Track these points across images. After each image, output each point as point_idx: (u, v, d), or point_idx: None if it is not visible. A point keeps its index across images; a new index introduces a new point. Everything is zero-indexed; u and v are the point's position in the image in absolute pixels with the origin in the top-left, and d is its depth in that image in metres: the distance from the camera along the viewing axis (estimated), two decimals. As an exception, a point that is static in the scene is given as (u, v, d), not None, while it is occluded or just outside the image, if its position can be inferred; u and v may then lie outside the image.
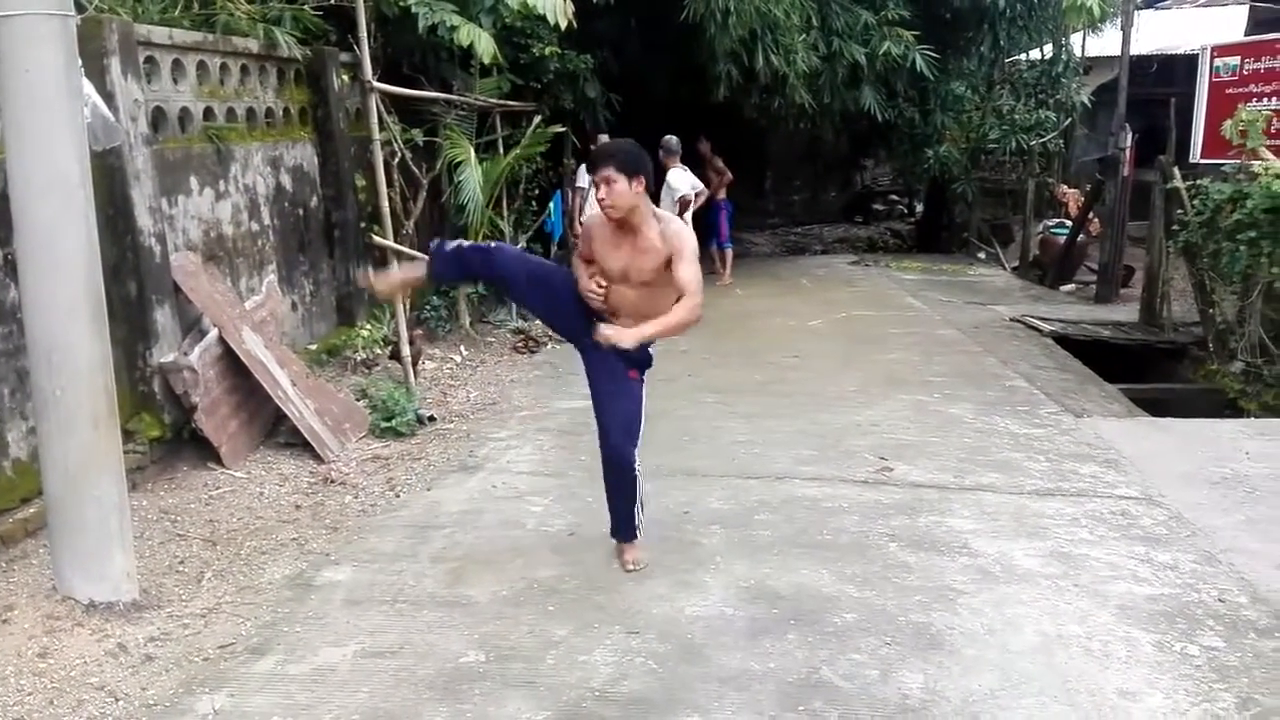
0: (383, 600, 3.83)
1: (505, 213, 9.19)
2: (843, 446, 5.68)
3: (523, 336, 8.66)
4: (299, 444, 5.47)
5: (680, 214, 8.96)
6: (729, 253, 11.66)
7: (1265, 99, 8.77)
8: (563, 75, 9.42)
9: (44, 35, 3.32)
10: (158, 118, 5.29)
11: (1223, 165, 8.92)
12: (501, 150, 8.81)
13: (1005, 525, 4.52)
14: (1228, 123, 8.69)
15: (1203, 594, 3.86)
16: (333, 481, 5.15)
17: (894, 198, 21.23)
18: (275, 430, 5.63)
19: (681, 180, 9.29)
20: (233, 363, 5.36)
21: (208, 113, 5.75)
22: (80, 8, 4.99)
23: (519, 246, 9.30)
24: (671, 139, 9.52)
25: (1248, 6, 14.46)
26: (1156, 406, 7.63)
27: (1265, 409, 7.59)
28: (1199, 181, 8.83)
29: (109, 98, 4.65)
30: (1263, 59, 8.92)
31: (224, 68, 5.92)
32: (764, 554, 4.23)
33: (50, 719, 3.09)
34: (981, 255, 15.15)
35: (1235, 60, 9.32)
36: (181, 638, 3.57)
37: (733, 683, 3.23)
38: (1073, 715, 3.06)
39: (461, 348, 8.14)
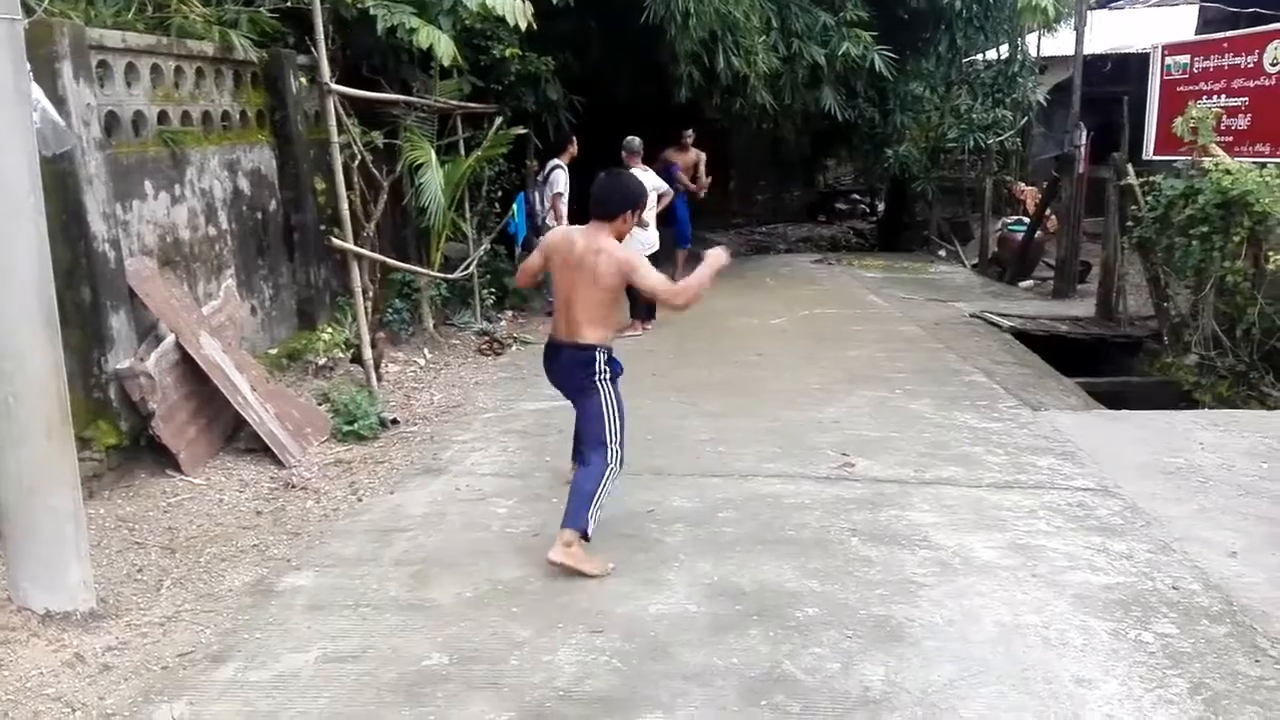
0: (345, 605, 3.80)
1: (468, 214, 9.16)
2: (805, 443, 5.72)
3: (487, 338, 8.63)
4: (259, 449, 5.42)
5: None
6: (682, 254, 11.64)
7: (1215, 96, 8.94)
8: (524, 77, 9.39)
9: (-10, 39, 3.28)
10: (111, 122, 5.22)
11: (1175, 162, 9.08)
12: (463, 152, 8.77)
13: (965, 518, 4.58)
14: (1179, 120, 8.85)
15: (1157, 582, 3.93)
16: (294, 486, 5.11)
17: (856, 197, 21.38)
18: (235, 436, 5.58)
19: (641, 180, 9.30)
20: (190, 368, 5.31)
21: (162, 116, 5.69)
22: (29, 10, 4.92)
23: (484, 246, 9.33)
24: (633, 139, 9.54)
25: (1198, 6, 14.70)
26: (1113, 399, 7.77)
27: (1219, 400, 7.74)
28: (1152, 178, 8.99)
29: (60, 102, 4.58)
30: (1211, 57, 9.08)
31: (179, 71, 5.86)
32: (728, 551, 4.25)
33: (5, 732, 3.05)
34: (942, 253, 15.31)
35: (1185, 58, 9.49)
36: (140, 646, 3.53)
37: (696, 679, 3.25)
38: (1030, 703, 3.11)
39: (425, 350, 8.10)
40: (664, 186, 9.85)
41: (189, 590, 3.98)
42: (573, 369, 4.20)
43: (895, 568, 4.07)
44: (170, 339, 5.25)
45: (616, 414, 4.16)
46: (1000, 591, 3.86)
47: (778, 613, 3.69)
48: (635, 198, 4.30)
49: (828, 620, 3.63)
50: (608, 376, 4.17)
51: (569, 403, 4.39)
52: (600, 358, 4.15)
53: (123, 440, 4.98)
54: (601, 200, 4.20)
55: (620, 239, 4.21)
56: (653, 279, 4.09)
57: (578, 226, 4.36)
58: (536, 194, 10.17)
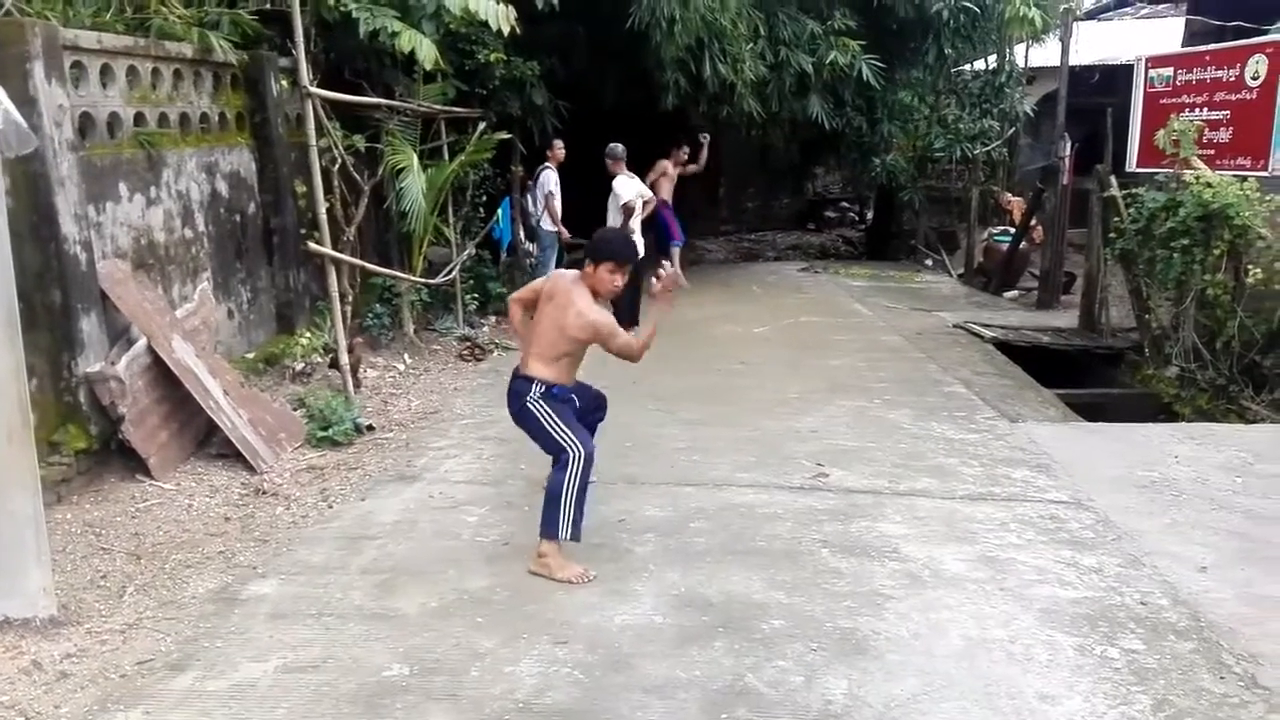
0: (308, 614, 3.77)
1: (451, 219, 9.14)
2: (782, 453, 5.70)
3: (469, 344, 8.59)
4: (231, 455, 5.39)
5: (625, 220, 8.97)
6: (677, 252, 11.60)
7: (1197, 109, 8.96)
8: (509, 82, 9.38)
9: (-48, 39, 3.25)
10: (85, 123, 5.19)
11: (1157, 174, 9.10)
12: (447, 157, 8.74)
13: (936, 530, 4.56)
14: (1161, 132, 8.88)
15: (1125, 597, 3.92)
16: (264, 493, 5.07)
17: (845, 205, 21.45)
18: (207, 441, 5.54)
19: (627, 187, 9.29)
20: (162, 372, 5.27)
21: (139, 118, 5.65)
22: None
23: (467, 251, 9.31)
24: (617, 146, 9.54)
25: (1184, 18, 14.77)
26: (1094, 411, 7.77)
27: (1199, 412, 7.75)
28: (1135, 190, 9.01)
29: (31, 103, 4.55)
30: (1194, 70, 9.10)
31: (156, 72, 5.82)
32: (697, 561, 4.23)
33: (-44, 741, 3.01)
34: (929, 262, 15.34)
35: (1169, 71, 9.51)
36: (99, 654, 3.50)
37: (657, 691, 3.23)
38: (992, 719, 3.09)
39: (405, 355, 8.07)
40: (649, 193, 9.85)
41: (152, 597, 3.94)
42: (513, 397, 4.21)
43: (864, 580, 4.05)
44: (142, 342, 5.21)
45: (556, 418, 4.12)
46: (968, 605, 3.84)
47: (744, 625, 3.67)
48: (607, 252, 4.21)
49: (793, 633, 3.61)
50: (538, 395, 4.14)
51: None
52: (537, 389, 4.13)
53: (92, 444, 4.94)
54: (587, 249, 4.34)
55: (595, 292, 4.18)
56: (619, 342, 4.19)
57: (573, 272, 4.35)
58: (529, 196, 10.16)
